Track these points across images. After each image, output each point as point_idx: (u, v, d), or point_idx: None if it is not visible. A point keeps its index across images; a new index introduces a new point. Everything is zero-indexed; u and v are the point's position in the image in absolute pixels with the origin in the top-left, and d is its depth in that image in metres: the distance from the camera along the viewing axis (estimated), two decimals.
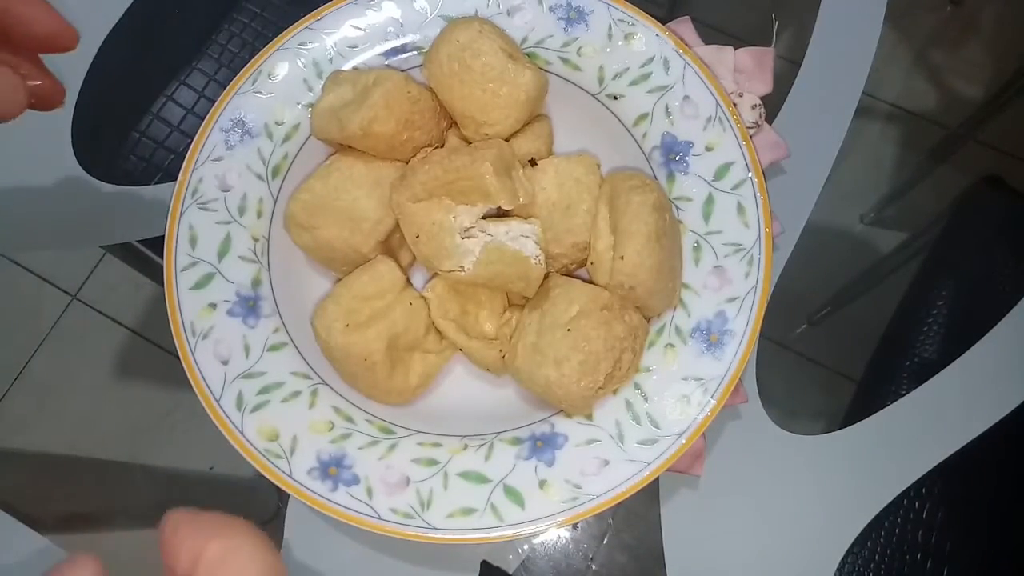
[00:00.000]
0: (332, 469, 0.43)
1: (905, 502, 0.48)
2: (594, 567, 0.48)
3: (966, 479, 0.49)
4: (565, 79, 0.51)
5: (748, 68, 0.53)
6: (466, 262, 0.42)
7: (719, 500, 0.48)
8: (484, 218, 0.43)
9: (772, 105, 0.54)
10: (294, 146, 0.50)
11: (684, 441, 0.42)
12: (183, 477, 0.53)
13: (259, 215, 0.48)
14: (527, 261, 0.43)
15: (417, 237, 0.42)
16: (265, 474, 0.42)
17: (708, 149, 0.48)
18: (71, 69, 0.59)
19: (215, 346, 0.45)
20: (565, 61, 0.51)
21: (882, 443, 0.49)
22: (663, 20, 0.52)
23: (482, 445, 0.44)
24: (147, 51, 0.61)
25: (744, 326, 0.45)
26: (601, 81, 0.50)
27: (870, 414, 0.50)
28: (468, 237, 0.42)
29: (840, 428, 0.50)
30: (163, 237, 0.47)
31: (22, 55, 0.32)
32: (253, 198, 0.48)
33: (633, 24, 0.50)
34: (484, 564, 0.48)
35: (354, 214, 0.45)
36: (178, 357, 0.45)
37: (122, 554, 0.40)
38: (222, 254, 0.47)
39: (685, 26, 0.54)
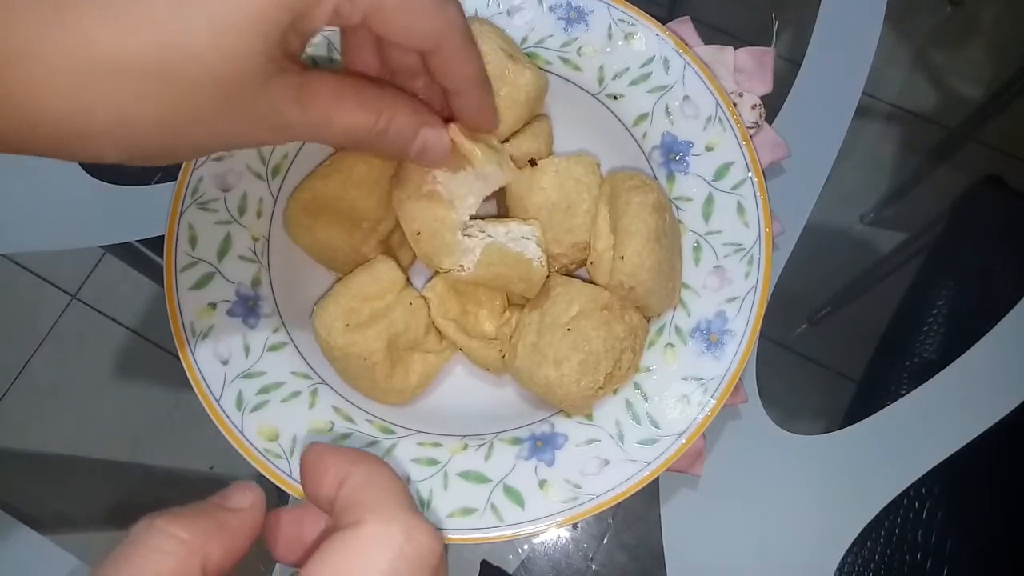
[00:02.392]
0: None
1: (905, 502, 0.48)
2: (594, 567, 0.48)
3: (966, 479, 0.49)
4: (565, 79, 0.51)
5: (748, 68, 0.53)
6: (466, 261, 0.42)
7: (719, 500, 0.48)
8: (483, 219, 0.43)
9: (772, 105, 0.54)
10: (294, 146, 0.50)
11: (684, 441, 0.42)
12: (183, 477, 0.53)
13: (259, 215, 0.48)
14: (529, 263, 0.43)
15: (418, 234, 0.42)
16: (265, 474, 0.42)
17: (708, 149, 0.48)
18: None
19: (215, 346, 0.45)
20: (565, 61, 0.51)
21: (882, 443, 0.49)
22: (663, 20, 0.52)
23: (482, 445, 0.44)
24: None
25: (744, 326, 0.45)
26: (601, 81, 0.50)
27: (870, 414, 0.50)
28: (468, 235, 0.42)
29: (840, 428, 0.50)
30: (163, 237, 0.47)
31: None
32: (253, 198, 0.48)
33: (633, 24, 0.50)
34: (484, 564, 0.48)
35: (354, 214, 0.45)
36: (178, 357, 0.45)
37: None
38: (222, 254, 0.47)
39: (685, 26, 0.54)
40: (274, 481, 0.42)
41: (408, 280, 0.46)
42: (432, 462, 0.43)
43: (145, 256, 0.56)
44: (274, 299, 0.47)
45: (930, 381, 0.50)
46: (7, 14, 0.23)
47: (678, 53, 0.50)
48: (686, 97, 0.49)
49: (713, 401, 0.43)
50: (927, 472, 0.48)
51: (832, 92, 0.56)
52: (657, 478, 0.43)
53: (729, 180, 0.47)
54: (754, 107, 0.52)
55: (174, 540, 0.22)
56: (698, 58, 0.50)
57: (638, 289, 0.42)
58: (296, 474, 0.42)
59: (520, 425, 0.45)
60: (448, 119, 0.37)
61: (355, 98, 0.31)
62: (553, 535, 0.48)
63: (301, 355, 0.46)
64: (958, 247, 0.55)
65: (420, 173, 0.40)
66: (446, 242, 0.41)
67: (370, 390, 0.45)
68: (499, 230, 0.43)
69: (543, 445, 0.43)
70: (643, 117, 0.49)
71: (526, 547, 0.48)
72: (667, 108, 0.49)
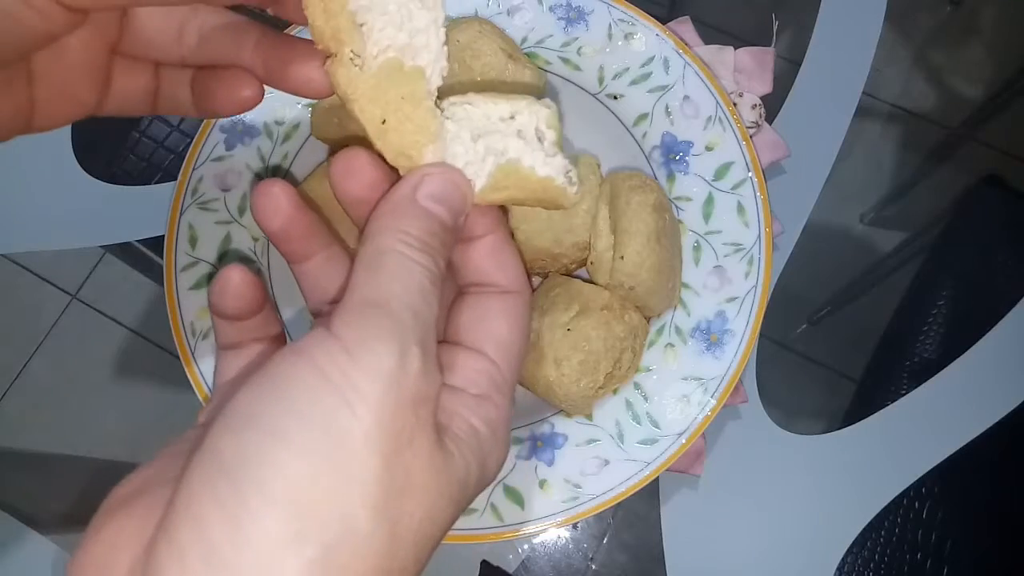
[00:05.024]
0: None
1: (905, 502, 0.48)
2: (594, 567, 0.48)
3: (966, 479, 0.49)
4: (565, 79, 0.51)
5: (748, 68, 0.53)
6: (458, 162, 0.28)
7: (719, 500, 0.48)
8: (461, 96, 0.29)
9: (772, 105, 0.54)
10: (294, 146, 0.50)
11: (684, 441, 0.42)
12: None
13: None
14: (552, 186, 0.28)
15: (384, 123, 0.28)
16: None
17: (708, 149, 0.48)
18: None
19: (215, 346, 0.45)
20: (565, 61, 0.51)
21: (882, 443, 0.49)
22: (663, 20, 0.52)
23: None
24: None
25: (744, 326, 0.45)
26: (601, 81, 0.50)
27: (870, 414, 0.50)
28: (448, 116, 0.28)
29: (840, 428, 0.50)
30: (163, 237, 0.47)
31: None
32: None
33: (633, 24, 0.50)
34: (484, 564, 0.48)
35: None
36: (178, 357, 0.45)
37: None
38: (222, 254, 0.47)
39: (685, 26, 0.54)
40: None
41: None
42: None
43: (145, 256, 0.56)
44: (274, 299, 0.47)
45: (930, 381, 0.50)
46: None
47: (678, 53, 0.50)
48: (686, 97, 0.49)
49: (713, 401, 0.43)
50: (927, 472, 0.48)
51: (832, 92, 0.56)
52: (657, 478, 0.43)
53: (729, 180, 0.47)
54: (754, 107, 0.52)
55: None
56: (698, 58, 0.50)
57: (638, 289, 0.42)
58: None
59: (520, 425, 0.45)
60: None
61: None
62: (553, 535, 0.48)
63: None
64: (958, 247, 0.55)
65: (338, 34, 0.26)
66: (424, 125, 0.28)
67: None
68: (491, 113, 0.28)
69: (543, 445, 0.43)
70: (643, 117, 0.49)
71: (526, 547, 0.48)
72: (667, 108, 0.49)
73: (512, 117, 0.29)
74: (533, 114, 0.29)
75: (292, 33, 0.31)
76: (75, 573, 0.21)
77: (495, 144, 0.28)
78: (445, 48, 0.28)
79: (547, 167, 0.28)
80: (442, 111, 0.28)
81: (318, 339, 0.21)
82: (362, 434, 0.20)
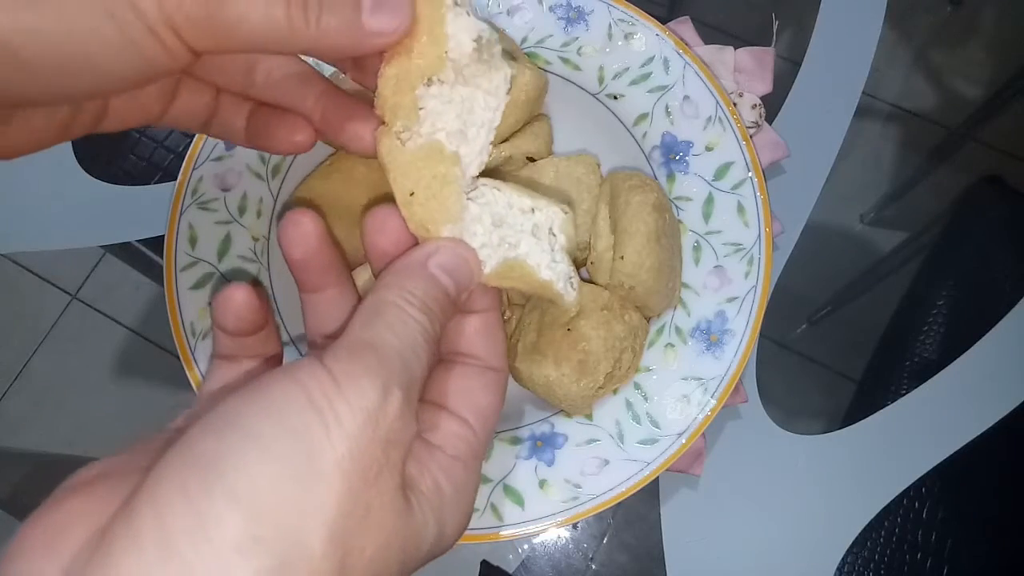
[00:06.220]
0: None
1: (905, 502, 0.48)
2: (594, 567, 0.48)
3: (966, 479, 0.49)
4: (565, 79, 0.51)
5: (748, 68, 0.53)
6: (475, 242, 0.30)
7: (719, 500, 0.48)
8: (493, 180, 0.31)
9: (772, 105, 0.54)
10: None
11: (684, 441, 0.42)
12: None
13: (259, 215, 0.48)
14: (552, 289, 0.31)
15: (412, 195, 0.30)
16: None
17: (708, 149, 0.48)
18: None
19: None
20: (565, 61, 0.51)
21: (882, 443, 0.49)
22: (663, 20, 0.52)
23: None
24: None
25: (744, 326, 0.44)
26: (601, 81, 0.50)
27: (870, 414, 0.50)
28: (473, 199, 0.30)
29: (840, 428, 0.50)
30: (163, 237, 0.47)
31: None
32: (253, 198, 0.48)
33: (633, 24, 0.50)
34: (484, 564, 0.48)
35: (354, 214, 0.45)
36: (178, 357, 0.45)
37: None
38: (222, 254, 0.47)
39: (685, 26, 0.54)
40: None
41: None
42: None
43: (145, 256, 0.56)
44: (274, 299, 0.47)
45: (930, 381, 0.50)
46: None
47: (678, 53, 0.50)
48: (686, 97, 0.49)
49: (713, 401, 0.43)
50: (927, 472, 0.48)
51: (832, 92, 0.56)
52: (657, 478, 0.43)
53: (729, 180, 0.47)
54: (754, 107, 0.52)
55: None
56: (698, 58, 0.50)
57: (638, 289, 0.42)
58: None
59: (520, 425, 0.45)
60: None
61: None
62: (553, 535, 0.48)
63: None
64: (958, 247, 0.55)
65: (400, 111, 0.29)
66: (447, 206, 0.30)
67: None
68: (513, 203, 0.31)
69: (543, 445, 0.43)
70: (643, 117, 0.49)
71: (526, 547, 0.48)
72: (667, 108, 0.49)
73: (532, 211, 0.31)
74: (551, 216, 0.31)
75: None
76: (20, 544, 0.20)
77: (510, 237, 0.30)
78: (490, 147, 0.30)
79: (550, 271, 0.31)
80: (473, 188, 0.30)
81: (309, 365, 0.22)
82: (333, 459, 0.20)
